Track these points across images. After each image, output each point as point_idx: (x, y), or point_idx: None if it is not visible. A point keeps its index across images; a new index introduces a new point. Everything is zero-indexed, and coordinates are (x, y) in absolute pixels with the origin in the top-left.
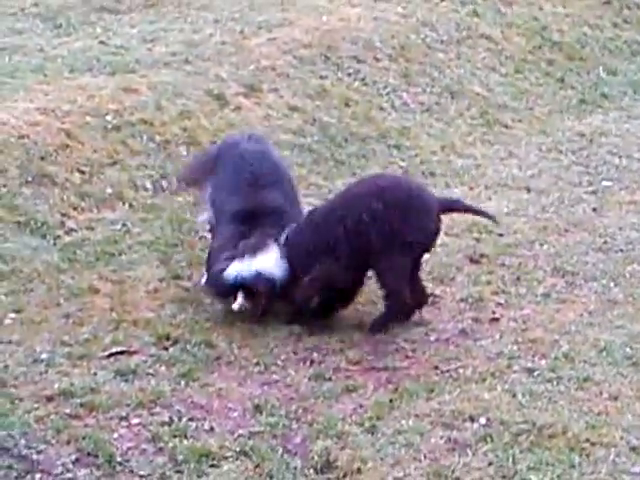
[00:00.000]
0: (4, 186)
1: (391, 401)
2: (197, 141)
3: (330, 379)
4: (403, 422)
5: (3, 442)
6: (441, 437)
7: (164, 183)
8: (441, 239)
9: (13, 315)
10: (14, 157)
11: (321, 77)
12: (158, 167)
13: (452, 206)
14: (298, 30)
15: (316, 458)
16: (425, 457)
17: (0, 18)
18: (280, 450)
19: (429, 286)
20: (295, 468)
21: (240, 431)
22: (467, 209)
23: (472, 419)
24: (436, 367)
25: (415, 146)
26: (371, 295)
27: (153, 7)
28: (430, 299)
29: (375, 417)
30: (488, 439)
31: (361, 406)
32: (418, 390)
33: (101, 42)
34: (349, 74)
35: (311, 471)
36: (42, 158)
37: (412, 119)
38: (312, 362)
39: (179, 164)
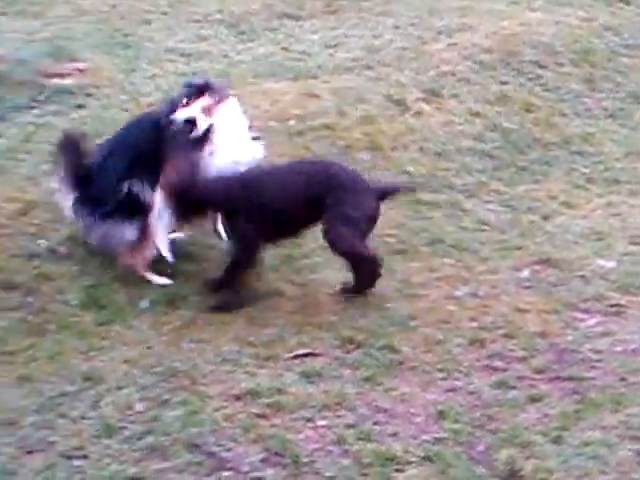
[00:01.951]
0: None
1: (577, 412)
2: (378, 146)
3: (514, 387)
4: (589, 433)
5: (194, 439)
6: (629, 450)
7: None
8: (623, 247)
9: (203, 315)
10: None
11: (502, 82)
12: None
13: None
14: (478, 35)
15: (501, 467)
16: (613, 470)
17: (185, 25)
18: (464, 457)
19: (615, 296)
20: (480, 476)
21: (424, 437)
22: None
23: None
24: (623, 378)
25: (598, 152)
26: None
27: (334, 13)
28: (615, 309)
29: (561, 427)
30: None
31: (546, 416)
32: (604, 401)
33: (283, 48)
34: (530, 79)
35: None
36: None
37: (595, 125)
38: (495, 369)
39: (360, 168)
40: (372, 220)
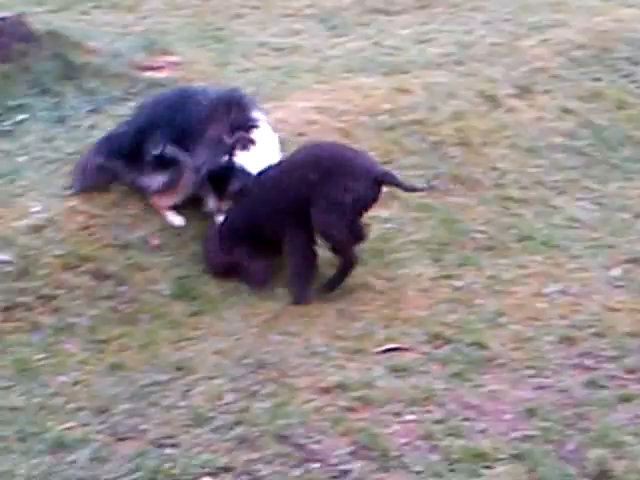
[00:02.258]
0: None
1: None
2: (469, 142)
3: (605, 387)
4: None
5: (282, 431)
6: None
7: (437, 183)
8: None
9: (292, 308)
10: None
11: (594, 79)
12: (430, 167)
13: (384, 178)
14: (571, 31)
15: (591, 467)
16: None
17: (277, 19)
18: (554, 456)
19: None
20: (569, 475)
21: (513, 434)
22: (398, 184)
23: None
24: None
25: None
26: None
27: (425, 8)
28: None
29: None
30: None
31: (637, 416)
32: None
33: (375, 43)
34: (624, 76)
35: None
36: None
37: None
38: (586, 368)
39: (451, 164)
40: (363, 206)
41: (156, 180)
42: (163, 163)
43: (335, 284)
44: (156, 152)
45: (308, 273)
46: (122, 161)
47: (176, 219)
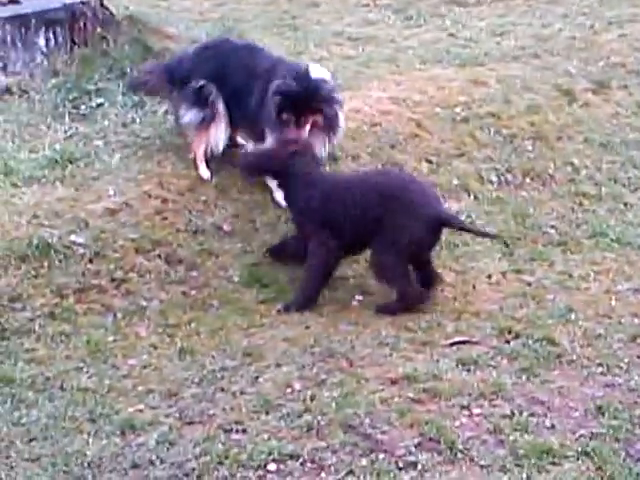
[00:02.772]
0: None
1: None
2: (544, 136)
3: None
4: None
5: (349, 420)
6: None
7: (509, 177)
8: None
9: (360, 297)
10: (366, 144)
11: None
12: (504, 160)
13: (450, 221)
14: None
15: None
16: None
17: (353, 9)
18: (622, 454)
19: None
20: (638, 474)
21: (581, 431)
22: (463, 228)
23: None
24: None
25: None
26: None
27: (502, 0)
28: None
29: None
30: None
31: None
32: None
33: (450, 34)
34: None
35: None
36: (392, 146)
37: None
38: None
39: (524, 158)
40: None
41: (191, 113)
42: (201, 100)
43: (388, 310)
44: (196, 85)
45: (322, 284)
46: (172, 87)
47: (205, 173)
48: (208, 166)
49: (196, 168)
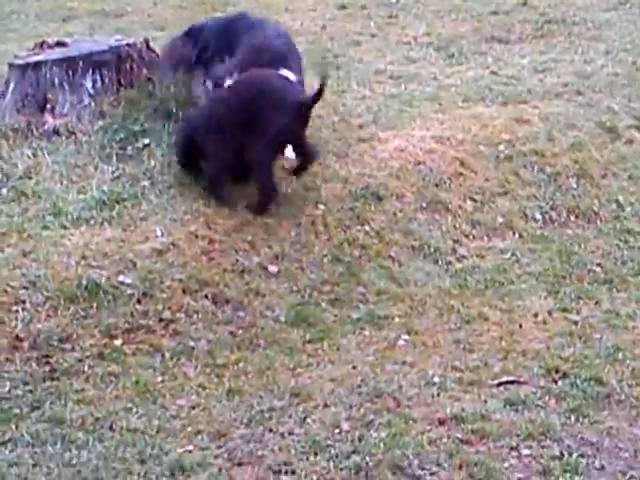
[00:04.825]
0: (400, 211)
1: None
2: (588, 173)
3: None
4: None
5: (398, 461)
6: None
7: (554, 214)
8: None
9: (406, 337)
10: (410, 183)
11: None
12: (548, 198)
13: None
14: None
15: None
16: None
17: (395, 47)
18: None
19: None
20: None
21: (631, 472)
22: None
23: None
24: None
25: None
26: None
27: (543, 37)
28: None
29: None
30: None
31: None
32: None
33: (492, 72)
34: None
35: None
36: (436, 185)
37: None
38: None
39: (569, 196)
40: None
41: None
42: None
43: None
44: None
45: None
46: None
47: None
48: None
49: None
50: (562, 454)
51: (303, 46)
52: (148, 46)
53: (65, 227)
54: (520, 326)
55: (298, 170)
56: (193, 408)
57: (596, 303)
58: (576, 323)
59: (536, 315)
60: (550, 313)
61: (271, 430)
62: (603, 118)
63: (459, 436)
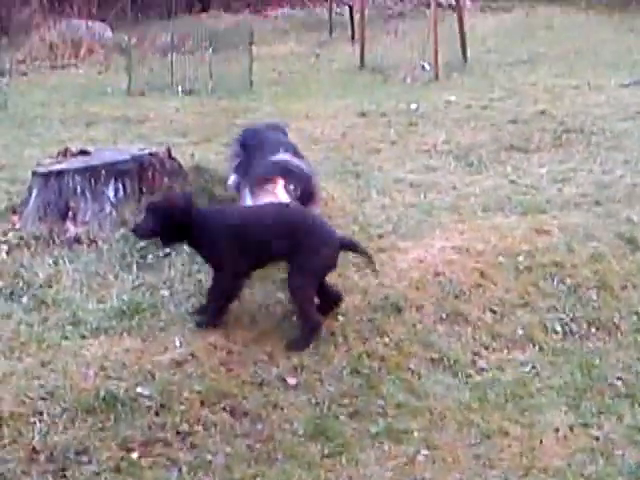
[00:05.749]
0: (420, 322)
1: None
2: (608, 285)
3: None
4: None
5: None
6: None
7: (574, 327)
8: None
9: (426, 452)
10: (430, 294)
11: None
12: (568, 310)
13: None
14: None
15: None
16: None
17: (415, 155)
18: None
19: None
20: None
21: None
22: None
23: None
24: None
25: None
26: None
27: (562, 147)
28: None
29: None
30: None
31: None
32: None
33: (512, 181)
34: None
35: None
36: (456, 296)
37: None
38: None
39: (589, 308)
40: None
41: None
42: None
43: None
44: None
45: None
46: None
47: None
48: None
49: None
50: None
51: (324, 153)
52: (170, 154)
53: (84, 337)
54: (541, 442)
55: (327, 310)
56: None
57: (618, 418)
58: (597, 439)
59: (557, 430)
60: (571, 428)
61: None
62: (622, 229)
63: None
